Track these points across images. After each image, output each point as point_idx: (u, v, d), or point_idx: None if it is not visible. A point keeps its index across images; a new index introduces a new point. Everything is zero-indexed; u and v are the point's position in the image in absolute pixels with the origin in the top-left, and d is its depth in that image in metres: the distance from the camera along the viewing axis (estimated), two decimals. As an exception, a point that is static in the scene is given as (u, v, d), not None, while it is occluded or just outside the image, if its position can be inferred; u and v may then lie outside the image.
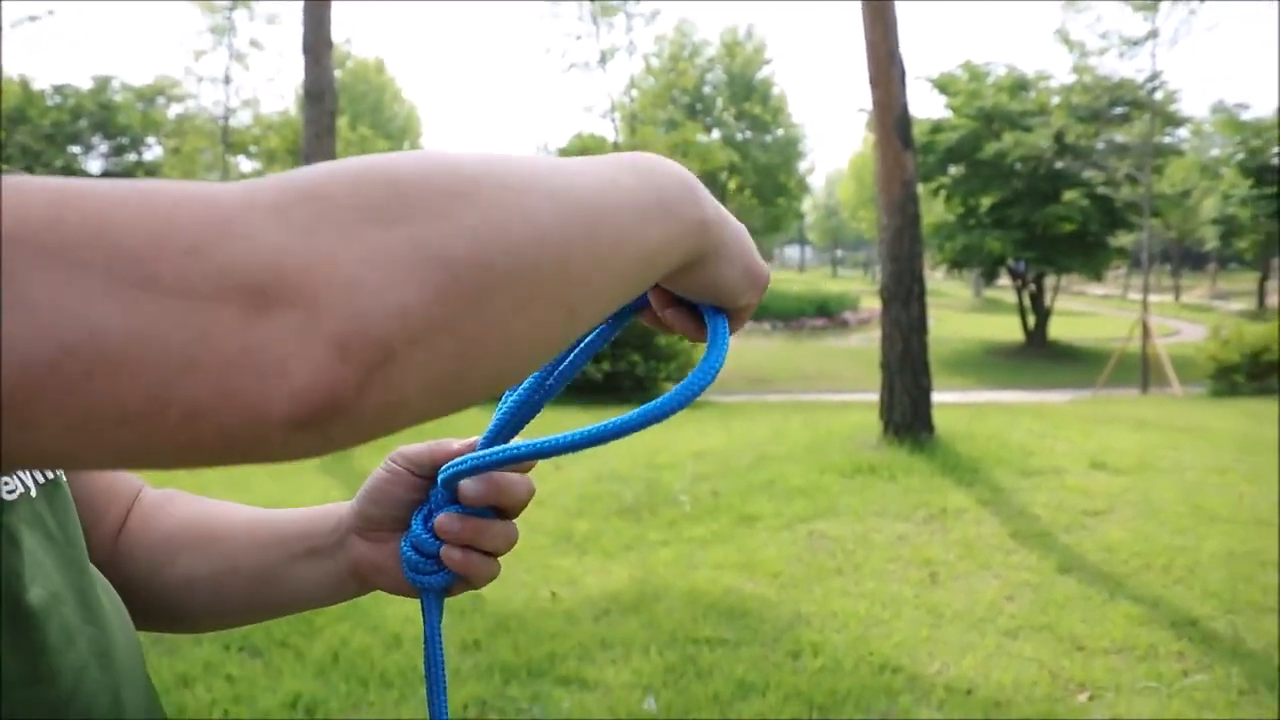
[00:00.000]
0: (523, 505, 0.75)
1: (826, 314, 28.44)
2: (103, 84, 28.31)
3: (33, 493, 0.65)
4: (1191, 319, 31.10)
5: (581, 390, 12.21)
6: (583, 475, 6.97)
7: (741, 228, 0.60)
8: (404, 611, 4.19)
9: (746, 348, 21.53)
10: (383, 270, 0.36)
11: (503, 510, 0.74)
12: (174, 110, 28.10)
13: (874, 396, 8.13)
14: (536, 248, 0.41)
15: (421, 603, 0.76)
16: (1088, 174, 19.96)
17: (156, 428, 0.34)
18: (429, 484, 0.76)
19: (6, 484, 0.63)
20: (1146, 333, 15.32)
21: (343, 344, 0.35)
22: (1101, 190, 19.79)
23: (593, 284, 0.44)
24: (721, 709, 3.46)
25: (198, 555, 0.83)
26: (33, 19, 11.71)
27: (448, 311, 0.37)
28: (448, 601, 0.79)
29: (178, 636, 3.95)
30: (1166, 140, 21.37)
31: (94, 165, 29.44)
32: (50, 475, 0.67)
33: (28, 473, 0.65)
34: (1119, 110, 20.60)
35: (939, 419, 7.78)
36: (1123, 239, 22.59)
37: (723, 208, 0.57)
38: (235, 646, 3.91)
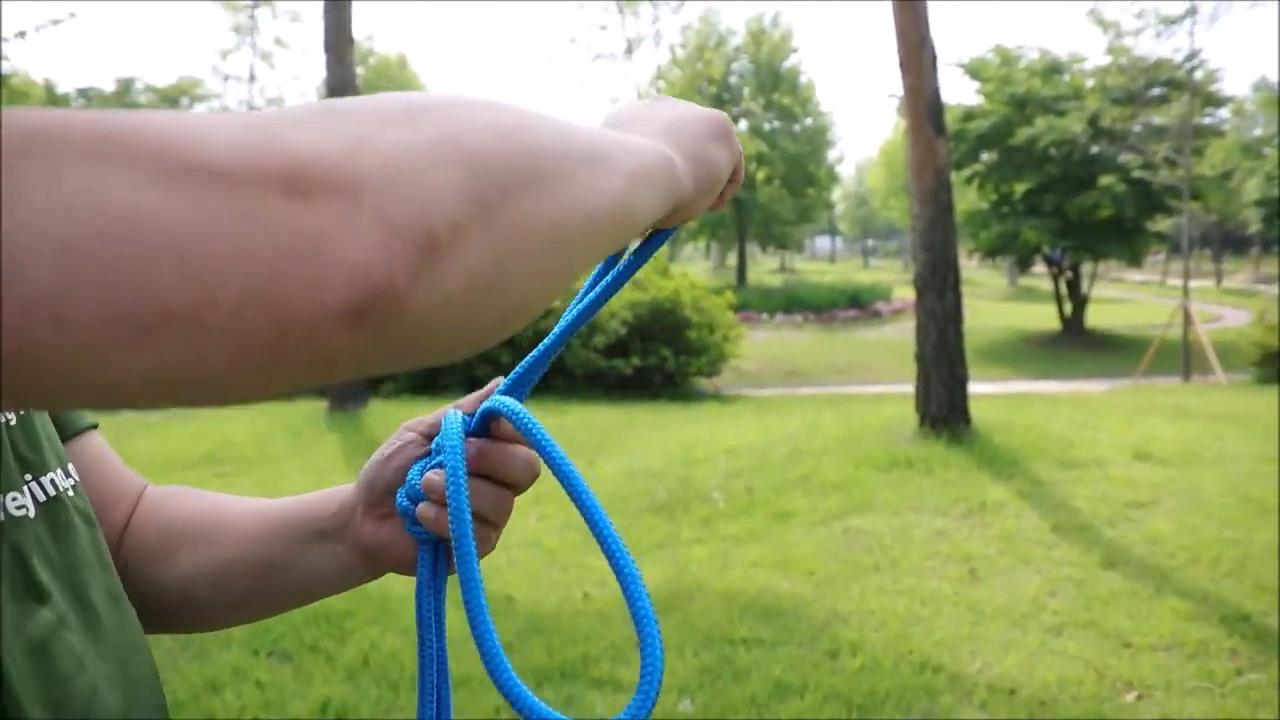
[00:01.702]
0: (522, 481, 0.73)
1: (858, 305, 28.15)
2: (126, 86, 28.57)
3: (31, 513, 0.62)
4: (1234, 304, 30.54)
5: (611, 386, 12.18)
6: (614, 472, 6.92)
7: (701, 149, 0.62)
8: (435, 613, 4.15)
9: (778, 340, 21.40)
10: (416, 158, 0.36)
11: (503, 483, 0.72)
12: (198, 110, 28.33)
13: (908, 388, 8.02)
14: (541, 153, 0.42)
15: (418, 558, 0.73)
16: (1124, 158, 19.61)
17: (205, 324, 0.31)
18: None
19: (15, 499, 0.61)
20: (1188, 319, 15.02)
21: (392, 224, 0.34)
22: (1139, 174, 19.43)
23: (595, 198, 0.46)
24: (759, 711, 3.39)
25: (199, 549, 0.81)
26: (55, 22, 11.76)
27: (480, 199, 0.38)
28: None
29: (206, 641, 3.95)
30: (1206, 121, 20.95)
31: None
32: (51, 493, 0.65)
33: (26, 492, 0.63)
34: (1156, 91, 20.23)
35: (976, 410, 7.65)
36: (1161, 223, 22.18)
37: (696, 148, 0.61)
38: (264, 651, 3.88)
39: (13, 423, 0.64)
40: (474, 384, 12.07)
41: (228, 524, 0.81)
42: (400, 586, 4.67)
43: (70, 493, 0.67)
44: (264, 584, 0.80)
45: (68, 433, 0.78)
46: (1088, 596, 4.37)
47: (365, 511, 0.75)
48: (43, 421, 0.68)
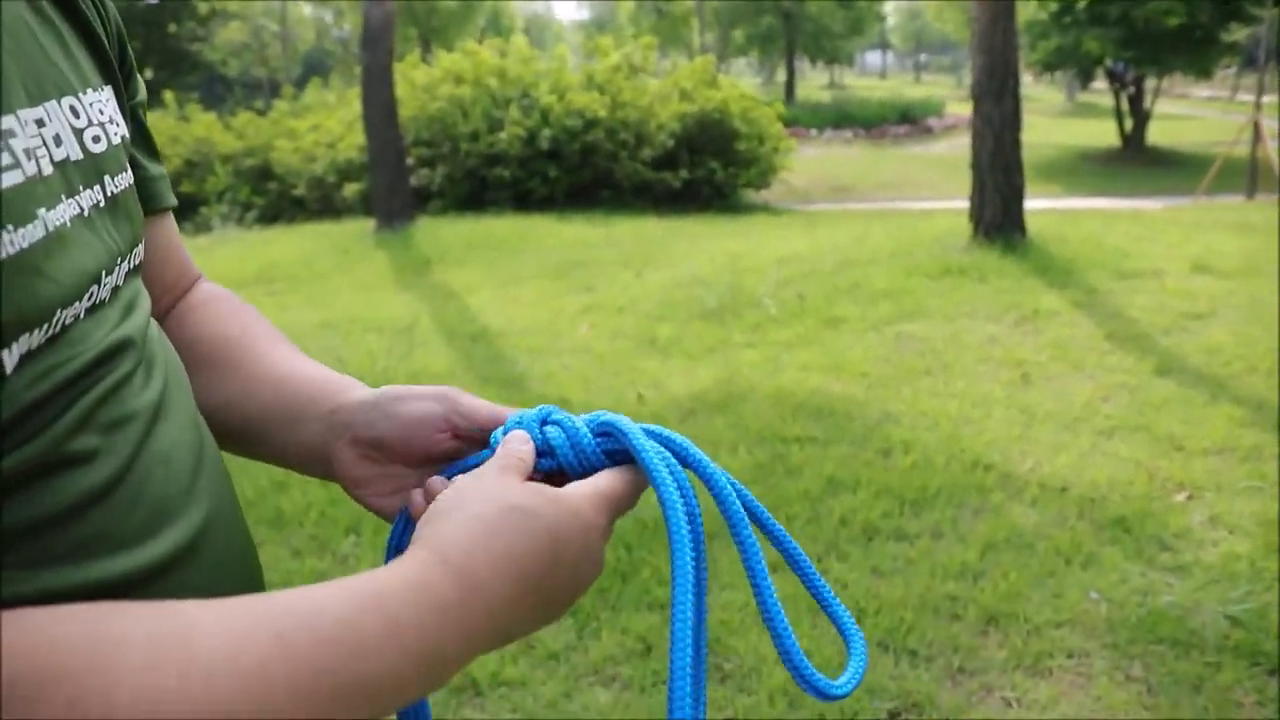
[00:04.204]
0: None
1: (910, 120, 27.32)
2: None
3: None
4: (1308, 120, 29.23)
5: (659, 199, 12.03)
6: (663, 281, 6.91)
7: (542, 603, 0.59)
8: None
9: (827, 156, 20.93)
10: None
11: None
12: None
13: (960, 204, 7.86)
14: None
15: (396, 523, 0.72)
16: (1200, -40, 18.44)
17: None
18: (464, 443, 0.72)
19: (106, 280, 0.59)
20: (1257, 134, 14.39)
21: None
22: (1215, -22, 18.30)
23: None
24: (812, 504, 3.46)
25: (205, 381, 0.78)
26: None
27: None
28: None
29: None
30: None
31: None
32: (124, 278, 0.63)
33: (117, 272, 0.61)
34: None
35: (1031, 223, 7.49)
36: (1237, 33, 21.00)
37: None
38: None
39: (102, 204, 0.61)
40: (522, 199, 11.99)
41: (242, 371, 0.79)
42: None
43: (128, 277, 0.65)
44: (237, 439, 0.79)
45: (151, 207, 0.76)
46: (1141, 402, 4.36)
47: (351, 442, 0.73)
48: (128, 198, 0.66)
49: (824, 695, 0.64)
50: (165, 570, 0.57)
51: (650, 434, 0.67)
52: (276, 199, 14.12)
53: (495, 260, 8.69)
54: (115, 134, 0.64)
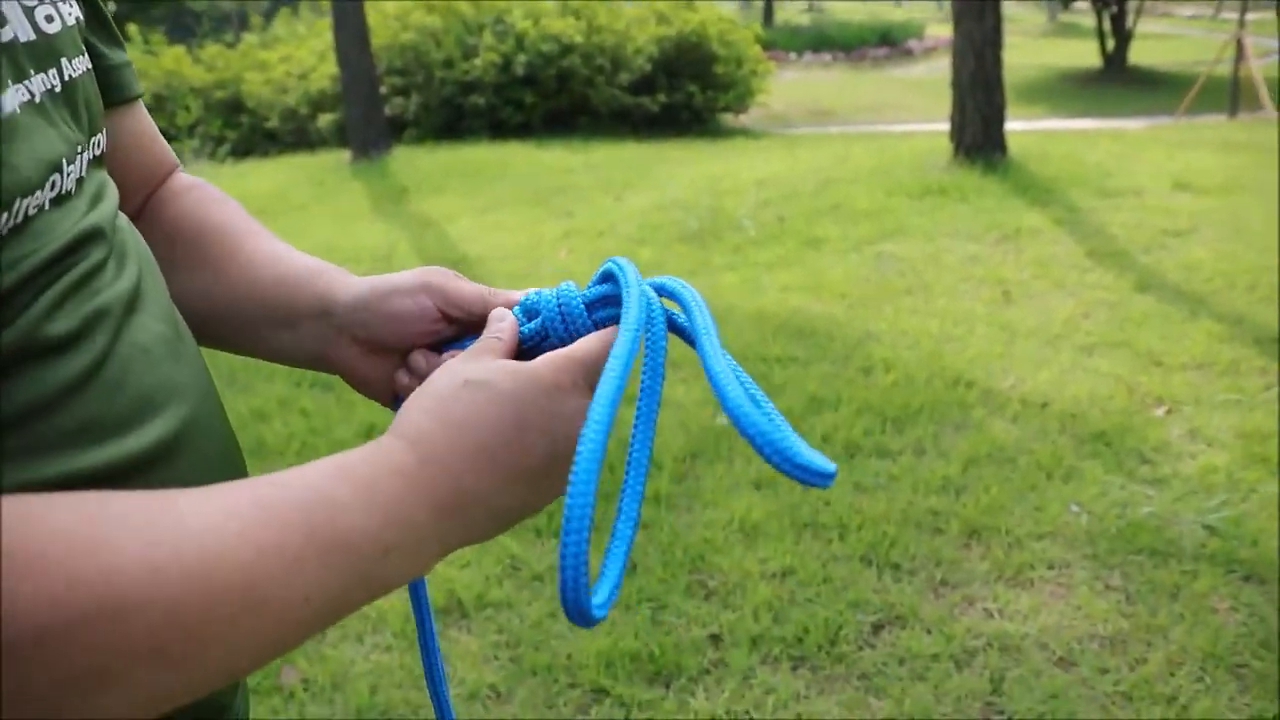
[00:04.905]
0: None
1: (890, 43, 26.93)
2: None
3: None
4: (1291, 37, 29.00)
5: (638, 124, 11.88)
6: (644, 205, 6.84)
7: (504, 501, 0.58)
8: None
9: (806, 80, 20.68)
10: None
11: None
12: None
13: (940, 127, 7.78)
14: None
15: None
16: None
17: None
18: (453, 326, 0.72)
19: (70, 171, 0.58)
20: (1241, 52, 14.26)
21: None
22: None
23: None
24: (795, 422, 3.46)
25: (191, 277, 0.76)
26: None
27: None
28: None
29: (250, 374, 4.06)
30: None
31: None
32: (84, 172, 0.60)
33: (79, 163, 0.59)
34: None
35: (1012, 143, 7.44)
36: (1219, -53, 20.74)
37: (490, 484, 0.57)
38: (307, 383, 4.00)
39: (57, 90, 0.57)
40: (498, 126, 11.82)
41: (226, 265, 0.77)
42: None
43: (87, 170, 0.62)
44: (223, 336, 0.78)
45: (119, 97, 0.72)
46: (1121, 319, 4.37)
47: (350, 341, 0.72)
48: (86, 84, 0.62)
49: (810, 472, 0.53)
50: (153, 462, 0.57)
51: (656, 288, 0.67)
52: (249, 132, 13.85)
53: (474, 188, 8.58)
54: (69, 15, 0.61)
